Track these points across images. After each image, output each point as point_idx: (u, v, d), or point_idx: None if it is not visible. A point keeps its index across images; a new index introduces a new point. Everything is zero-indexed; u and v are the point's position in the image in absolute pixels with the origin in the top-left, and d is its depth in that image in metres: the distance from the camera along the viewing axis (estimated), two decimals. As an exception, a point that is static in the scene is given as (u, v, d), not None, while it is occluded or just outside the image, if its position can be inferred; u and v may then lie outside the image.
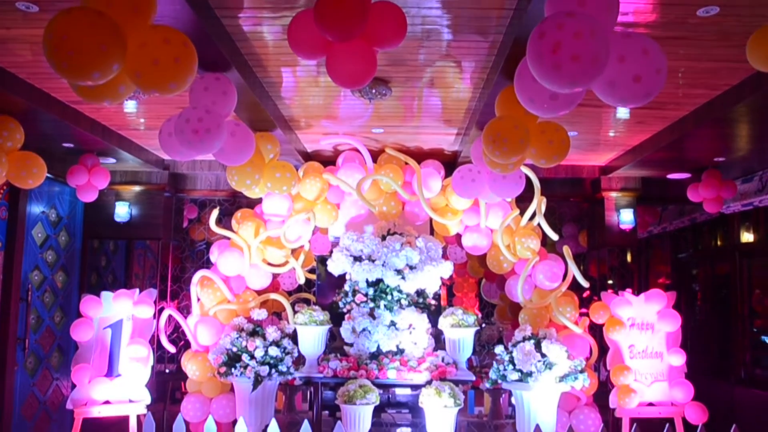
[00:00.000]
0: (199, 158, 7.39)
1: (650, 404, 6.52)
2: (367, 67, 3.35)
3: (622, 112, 5.62)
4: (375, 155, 6.96)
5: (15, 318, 6.31)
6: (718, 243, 8.46)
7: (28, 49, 4.28)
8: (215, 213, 6.84)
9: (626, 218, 7.68)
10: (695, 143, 6.10)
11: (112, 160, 7.01)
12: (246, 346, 5.96)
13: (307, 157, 7.35)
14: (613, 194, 7.73)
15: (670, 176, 7.50)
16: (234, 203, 8.01)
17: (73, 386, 6.30)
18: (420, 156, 7.02)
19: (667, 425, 4.42)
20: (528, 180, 5.95)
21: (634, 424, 4.43)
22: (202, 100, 4.12)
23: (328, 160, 7.20)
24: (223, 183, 7.79)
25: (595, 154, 7.20)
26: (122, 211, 7.57)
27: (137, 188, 7.64)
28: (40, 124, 5.52)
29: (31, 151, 5.27)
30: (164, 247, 7.85)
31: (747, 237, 7.78)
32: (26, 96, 4.90)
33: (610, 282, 8.00)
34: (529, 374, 5.69)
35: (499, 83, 4.38)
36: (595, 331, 6.87)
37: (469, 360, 6.92)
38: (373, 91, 4.99)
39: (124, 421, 6.34)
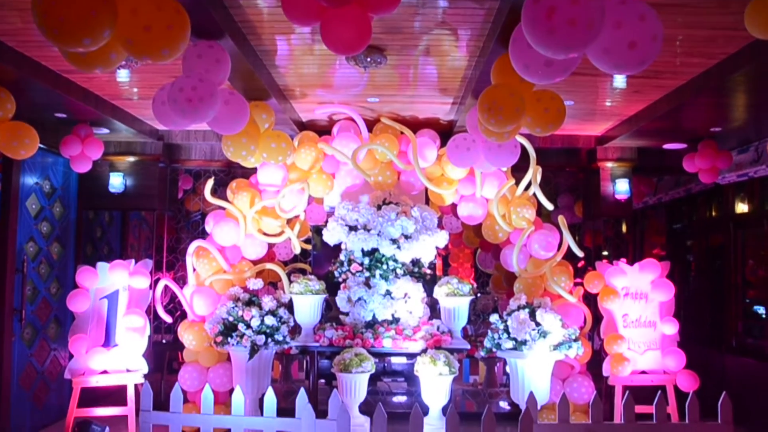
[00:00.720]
0: (193, 128, 7.37)
1: (643, 372, 6.59)
2: (362, 33, 3.31)
3: (619, 81, 5.58)
4: (370, 125, 6.93)
5: (11, 289, 6.31)
6: (713, 214, 8.48)
7: (18, 16, 4.21)
8: (210, 183, 6.83)
9: (622, 188, 7.68)
10: (692, 113, 6.08)
11: (106, 131, 6.96)
12: (242, 316, 6.00)
13: (302, 126, 7.32)
14: (609, 164, 7.73)
15: (666, 146, 7.49)
16: (229, 173, 7.98)
17: (71, 356, 6.34)
18: (415, 125, 6.99)
19: (659, 393, 4.47)
20: (523, 149, 5.94)
21: (627, 392, 4.48)
22: (195, 68, 4.08)
23: (323, 130, 7.17)
24: (217, 153, 7.75)
25: (591, 123, 7.17)
26: (117, 182, 7.54)
27: (131, 159, 7.61)
28: (31, 94, 5.46)
29: (23, 121, 5.23)
30: (159, 217, 7.84)
31: (742, 208, 7.80)
32: (16, 65, 4.84)
33: (605, 252, 8.03)
34: (524, 343, 5.75)
35: (494, 51, 4.34)
36: (590, 300, 6.92)
37: (464, 329, 6.99)
38: (368, 59, 4.95)
39: (122, 390, 6.39)
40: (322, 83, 5.88)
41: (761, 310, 7.44)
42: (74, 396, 6.08)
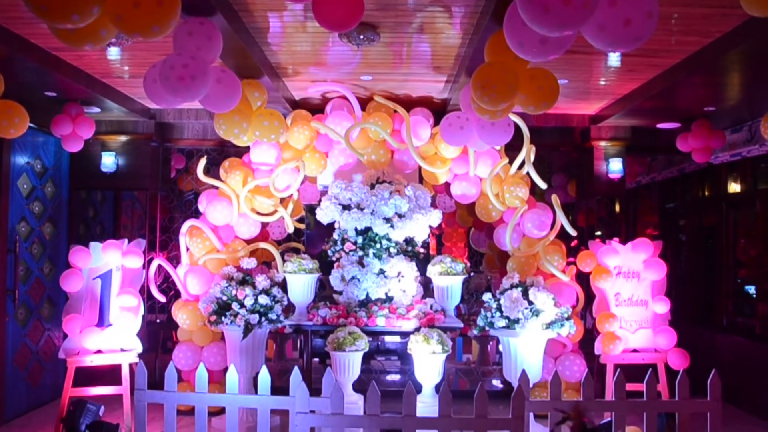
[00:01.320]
0: (185, 107, 7.32)
1: (634, 351, 6.64)
2: (354, 9, 3.28)
3: (613, 60, 5.55)
4: (363, 103, 6.89)
5: (3, 269, 6.30)
6: (706, 193, 8.50)
7: (5, -8, 4.16)
8: (203, 162, 6.79)
9: (615, 168, 7.68)
10: (686, 92, 6.07)
11: (97, 110, 6.90)
12: (236, 295, 6.00)
13: (295, 105, 7.27)
14: (603, 143, 7.72)
15: (659, 126, 7.49)
16: (222, 152, 7.94)
17: (65, 336, 6.34)
18: (409, 104, 6.95)
19: (650, 371, 4.51)
20: (517, 128, 5.92)
21: (618, 370, 4.52)
22: (186, 45, 4.04)
23: (316, 108, 7.12)
24: (210, 132, 7.70)
25: (585, 102, 7.15)
26: (109, 162, 7.49)
27: (123, 138, 7.55)
28: (20, 72, 5.40)
29: (12, 100, 5.16)
30: (152, 197, 7.80)
31: (734, 187, 7.82)
32: (4, 42, 4.77)
33: (598, 232, 8.05)
34: (517, 321, 5.77)
35: (488, 28, 4.31)
36: (582, 279, 6.95)
37: (458, 308, 7.02)
38: (361, 36, 4.90)
39: (116, 369, 6.40)
40: (314, 61, 5.83)
41: (752, 289, 7.50)
42: (69, 375, 6.08)
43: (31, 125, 5.38)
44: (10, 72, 5.13)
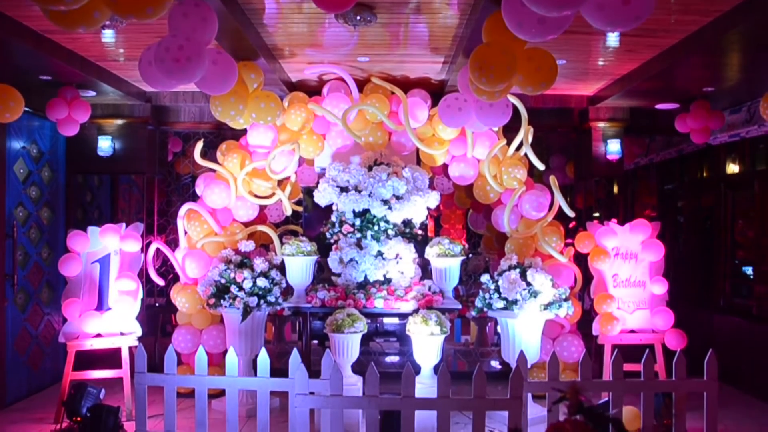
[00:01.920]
0: (181, 89, 7.27)
1: (632, 331, 6.68)
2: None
3: (612, 40, 5.52)
4: (361, 84, 6.85)
5: (2, 254, 6.30)
6: (704, 174, 8.49)
7: (-4, -26, 4.11)
8: (200, 145, 6.77)
9: (613, 148, 7.67)
10: (685, 72, 6.03)
11: (93, 93, 6.85)
12: (234, 278, 6.01)
13: (292, 87, 7.23)
14: (601, 124, 7.69)
15: (658, 106, 7.46)
16: (219, 135, 7.90)
17: (64, 320, 6.35)
18: (406, 85, 6.91)
19: (647, 351, 4.54)
20: (515, 109, 5.90)
21: (616, 350, 4.55)
22: (181, 27, 4.00)
23: (313, 90, 7.09)
24: (207, 115, 7.66)
25: (584, 83, 7.12)
26: (105, 145, 7.47)
27: (119, 121, 7.52)
28: (13, 56, 5.35)
29: (7, 84, 5.12)
30: (149, 181, 7.78)
31: (732, 168, 7.81)
32: (-2, 25, 4.74)
33: (596, 213, 8.05)
34: (515, 302, 5.79)
35: (486, 8, 4.27)
36: (580, 260, 6.96)
37: (456, 289, 7.03)
38: (358, 17, 4.86)
39: (116, 353, 6.42)
40: (311, 42, 5.79)
41: (749, 270, 7.51)
42: (69, 359, 6.11)
43: (27, 109, 5.35)
44: (4, 55, 5.10)
